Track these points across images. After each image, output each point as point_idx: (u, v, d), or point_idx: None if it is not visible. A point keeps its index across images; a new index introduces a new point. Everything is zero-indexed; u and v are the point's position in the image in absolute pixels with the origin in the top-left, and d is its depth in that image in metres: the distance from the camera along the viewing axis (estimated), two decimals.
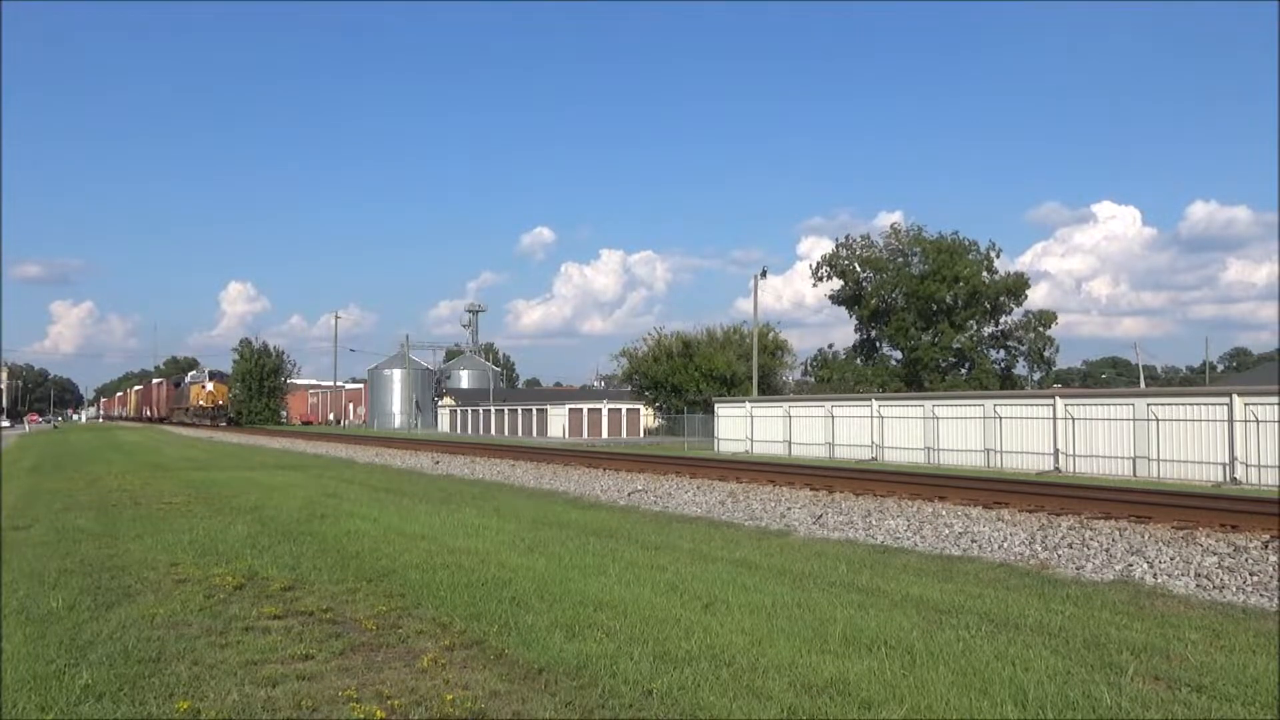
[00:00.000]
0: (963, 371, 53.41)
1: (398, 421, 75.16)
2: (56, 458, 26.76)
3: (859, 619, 5.60)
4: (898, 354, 54.87)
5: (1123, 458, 22.25)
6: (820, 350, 60.00)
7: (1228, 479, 19.54)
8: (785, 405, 34.84)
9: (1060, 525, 8.66)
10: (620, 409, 58.31)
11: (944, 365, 53.13)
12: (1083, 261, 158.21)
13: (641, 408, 57.86)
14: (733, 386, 48.61)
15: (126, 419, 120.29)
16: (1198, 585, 6.59)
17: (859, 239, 56.79)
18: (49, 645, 5.16)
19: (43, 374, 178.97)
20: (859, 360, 56.40)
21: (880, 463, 26.43)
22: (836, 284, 56.43)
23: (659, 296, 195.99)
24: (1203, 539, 7.69)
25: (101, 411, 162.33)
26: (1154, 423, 21.71)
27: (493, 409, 64.65)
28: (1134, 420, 22.24)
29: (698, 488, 13.11)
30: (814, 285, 58.67)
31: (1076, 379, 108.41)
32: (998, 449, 25.37)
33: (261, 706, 4.15)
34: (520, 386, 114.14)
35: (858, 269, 55.47)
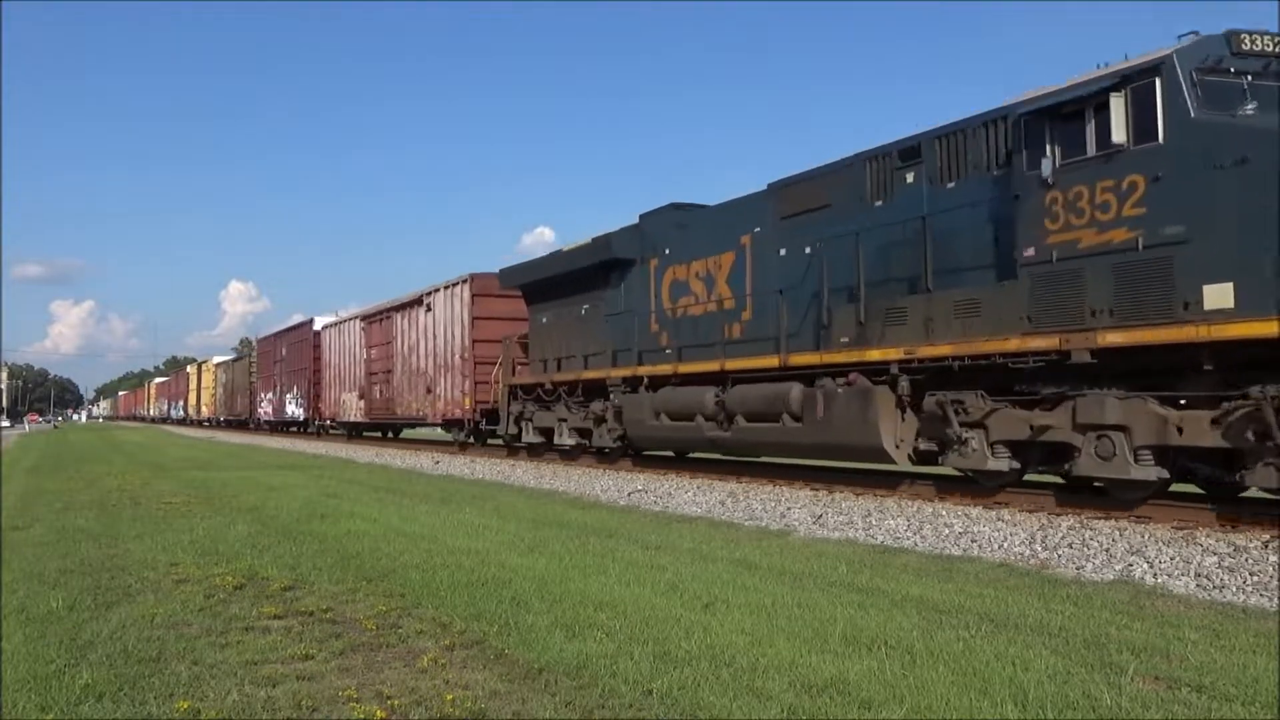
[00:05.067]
0: None
1: None
2: (56, 458, 26.76)
3: (859, 619, 5.60)
4: None
5: None
6: None
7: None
8: None
9: (1060, 525, 8.65)
10: None
11: None
12: None
13: None
14: None
15: (190, 422, 63.96)
16: (1198, 585, 6.58)
17: None
18: (49, 645, 5.17)
19: (43, 374, 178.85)
20: None
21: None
22: None
23: None
24: (1203, 539, 7.69)
25: (104, 411, 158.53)
26: None
27: None
28: None
29: (698, 488, 13.11)
30: None
31: None
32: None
33: (261, 706, 4.15)
34: None
35: None
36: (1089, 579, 6.96)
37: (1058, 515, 9.11)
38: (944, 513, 9.74)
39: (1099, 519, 8.82)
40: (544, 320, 18.27)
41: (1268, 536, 7.53)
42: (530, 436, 18.67)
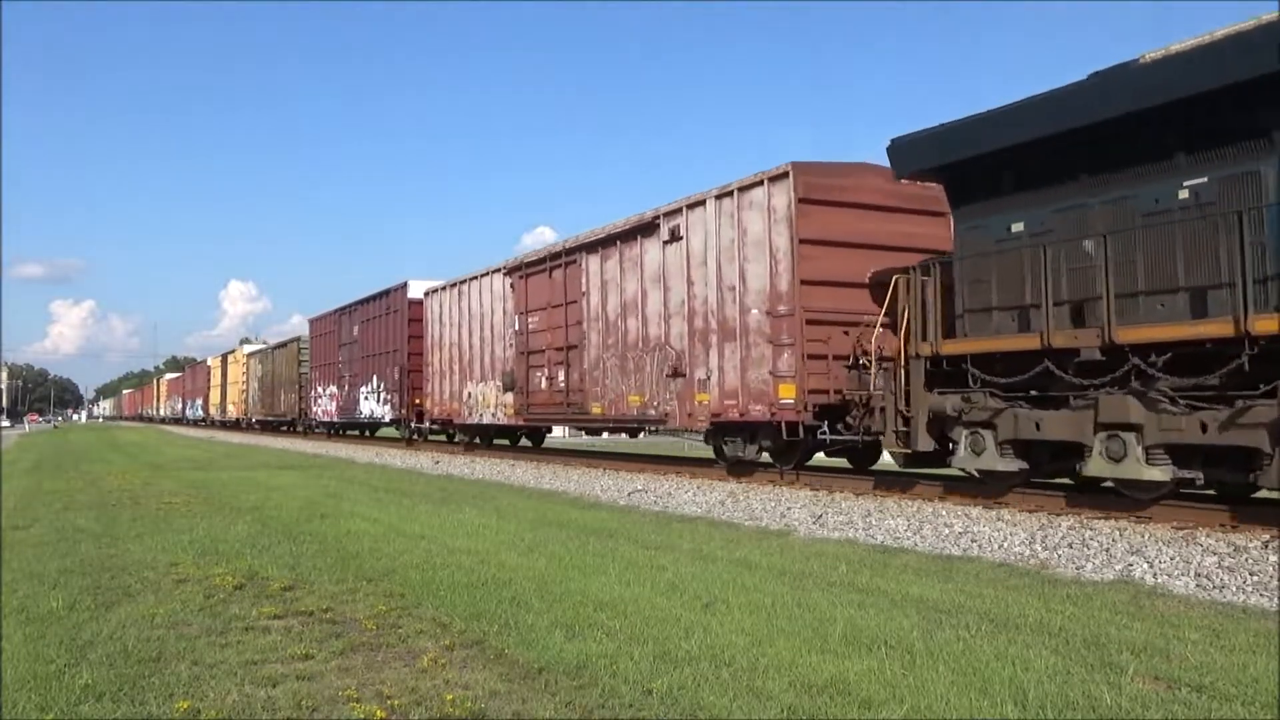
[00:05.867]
0: None
1: None
2: (56, 458, 26.76)
3: (859, 619, 5.60)
4: None
5: None
6: None
7: None
8: None
9: (1060, 525, 8.65)
10: None
11: None
12: None
13: None
14: None
15: (213, 424, 56.16)
16: (1198, 585, 6.58)
17: None
18: (49, 645, 5.17)
19: (43, 374, 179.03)
20: None
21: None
22: None
23: None
24: (1203, 539, 7.69)
25: (105, 411, 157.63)
26: None
27: None
28: None
29: (698, 488, 13.11)
30: None
31: None
32: None
33: (261, 706, 4.16)
34: None
35: None
36: (1089, 579, 6.96)
37: (1058, 515, 9.12)
38: (944, 513, 9.75)
39: (1099, 519, 8.82)
40: (1010, 230, 9.67)
41: (1268, 536, 7.53)
42: (989, 460, 9.70)
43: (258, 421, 44.92)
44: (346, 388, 30.08)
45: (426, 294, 24.19)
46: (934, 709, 4.00)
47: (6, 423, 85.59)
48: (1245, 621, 5.61)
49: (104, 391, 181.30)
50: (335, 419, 31.88)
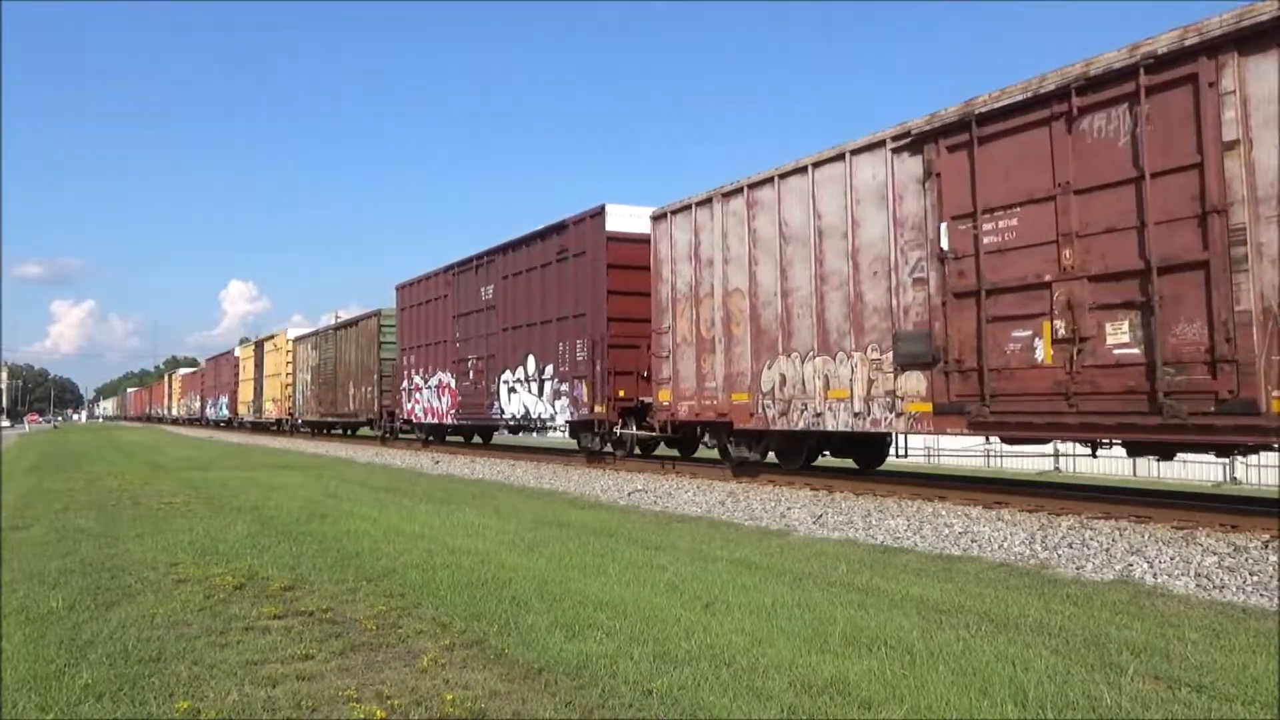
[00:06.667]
0: None
1: None
2: (56, 458, 26.76)
3: (859, 619, 5.60)
4: None
5: (1123, 458, 22.24)
6: None
7: (1228, 479, 19.54)
8: None
9: (1060, 525, 8.66)
10: None
11: None
12: None
13: None
14: None
15: (245, 427, 47.33)
16: (1198, 585, 6.59)
17: None
18: (49, 645, 5.17)
19: (43, 374, 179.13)
20: None
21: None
22: None
23: None
24: (1203, 539, 7.69)
25: (105, 411, 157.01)
26: None
27: None
28: None
29: (698, 488, 13.11)
30: None
31: None
32: (998, 449, 25.37)
33: (261, 706, 4.16)
34: None
35: None
36: (1089, 579, 6.96)
37: (1058, 515, 9.12)
38: (944, 513, 9.75)
39: (1099, 519, 8.83)
40: None
41: (1268, 536, 7.54)
42: None
43: (307, 424, 35.64)
44: (471, 375, 21.48)
45: (658, 217, 14.83)
46: (934, 709, 4.00)
47: (6, 423, 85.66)
48: (1245, 621, 5.61)
49: (104, 391, 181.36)
50: (448, 420, 22.94)
